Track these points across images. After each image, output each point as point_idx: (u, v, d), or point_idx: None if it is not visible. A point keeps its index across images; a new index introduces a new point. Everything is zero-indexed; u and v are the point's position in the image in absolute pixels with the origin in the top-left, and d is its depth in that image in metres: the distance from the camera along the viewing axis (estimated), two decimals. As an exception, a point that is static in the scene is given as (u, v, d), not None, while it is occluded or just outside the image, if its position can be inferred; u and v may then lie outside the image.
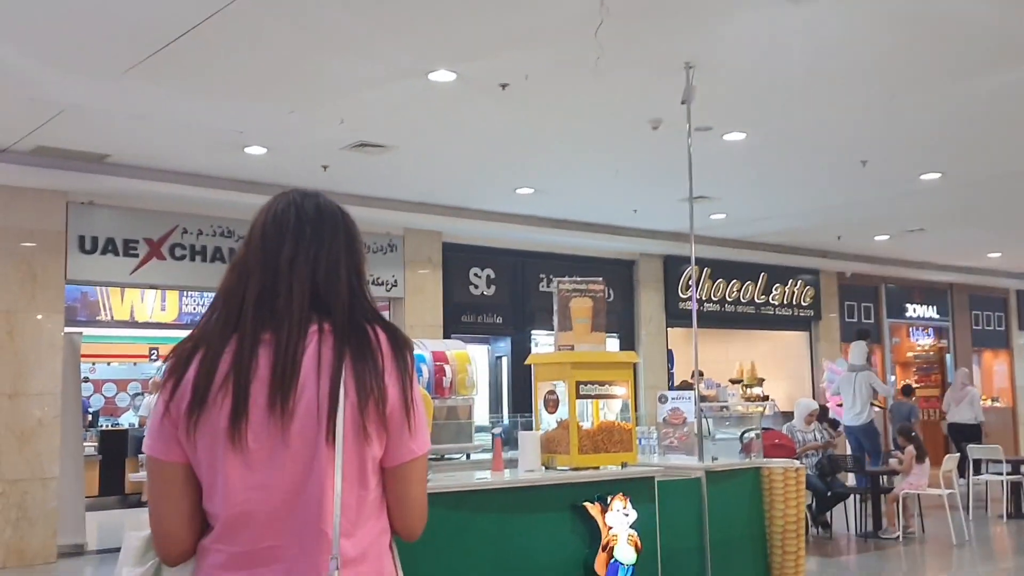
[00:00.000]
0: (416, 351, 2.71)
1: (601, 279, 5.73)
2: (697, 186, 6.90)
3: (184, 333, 1.80)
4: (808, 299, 15.06)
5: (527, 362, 5.76)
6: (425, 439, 1.84)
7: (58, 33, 5.61)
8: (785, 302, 14.79)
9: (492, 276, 11.78)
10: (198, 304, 14.63)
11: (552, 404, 5.48)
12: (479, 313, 11.63)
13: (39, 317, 8.55)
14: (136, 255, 9.14)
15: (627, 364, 5.73)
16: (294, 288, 1.78)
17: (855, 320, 15.81)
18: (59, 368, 8.64)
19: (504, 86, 6.60)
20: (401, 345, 1.82)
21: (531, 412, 5.79)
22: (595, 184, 9.76)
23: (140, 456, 13.09)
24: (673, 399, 10.07)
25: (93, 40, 5.71)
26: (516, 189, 9.86)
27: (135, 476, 11.28)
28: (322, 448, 1.71)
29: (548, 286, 12.12)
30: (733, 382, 14.31)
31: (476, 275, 11.66)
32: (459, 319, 11.44)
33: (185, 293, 14.37)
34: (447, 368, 6.66)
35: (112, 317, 13.75)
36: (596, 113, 7.33)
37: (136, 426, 13.67)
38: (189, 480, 1.78)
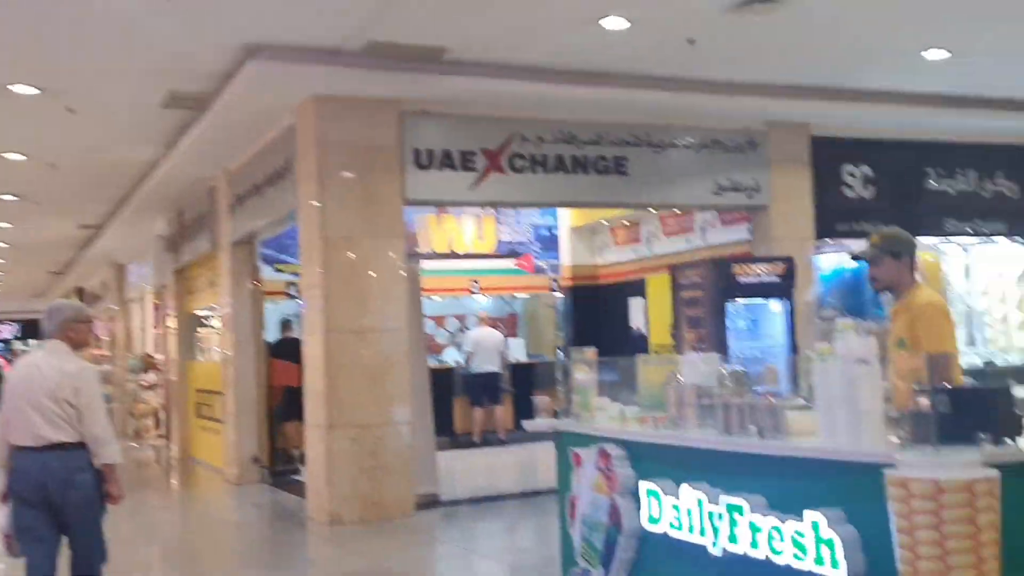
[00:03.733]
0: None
1: None
2: None
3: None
4: None
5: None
6: None
7: None
8: None
9: (869, 174, 9.71)
10: (515, 232, 13.60)
11: None
12: (855, 219, 9.60)
13: (378, 243, 7.62)
14: (474, 169, 8.00)
15: None
16: None
17: None
18: (404, 301, 7.71)
19: None
20: None
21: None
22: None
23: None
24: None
25: None
26: (923, 51, 7.70)
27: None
28: None
29: (940, 184, 9.94)
30: None
31: (851, 174, 9.64)
32: (833, 227, 9.52)
33: (501, 220, 13.36)
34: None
35: (431, 249, 12.99)
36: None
37: (462, 363, 12.81)
38: None
